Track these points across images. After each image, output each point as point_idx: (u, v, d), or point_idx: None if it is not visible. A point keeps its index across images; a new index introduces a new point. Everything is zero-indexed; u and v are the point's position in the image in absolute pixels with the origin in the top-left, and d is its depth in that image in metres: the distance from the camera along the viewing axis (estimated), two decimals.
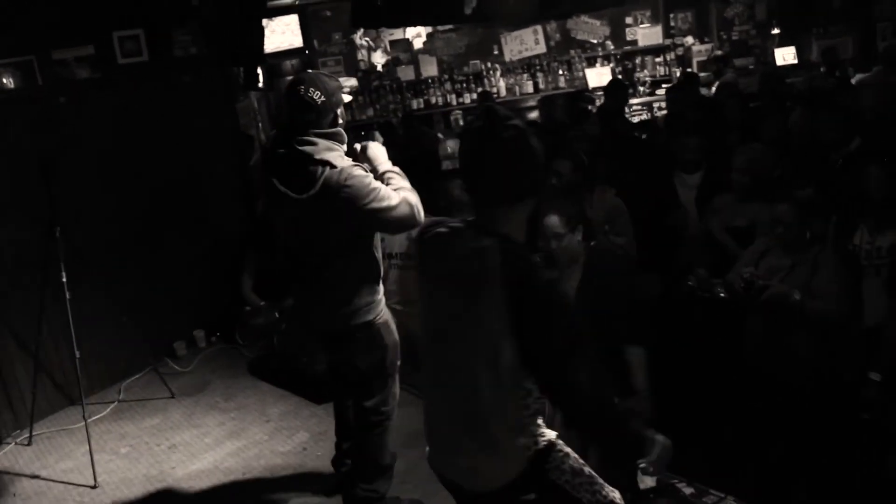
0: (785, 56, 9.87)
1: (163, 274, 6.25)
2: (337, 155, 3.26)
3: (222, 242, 6.64)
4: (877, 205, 4.24)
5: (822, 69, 8.88)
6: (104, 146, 5.95)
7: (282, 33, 9.35)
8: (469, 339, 2.14)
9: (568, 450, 2.37)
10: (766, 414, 3.86)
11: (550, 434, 2.34)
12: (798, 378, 3.84)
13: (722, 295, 4.41)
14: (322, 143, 3.25)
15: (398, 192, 3.28)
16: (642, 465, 2.23)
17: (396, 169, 3.46)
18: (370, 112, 9.77)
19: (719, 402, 4.02)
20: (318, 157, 3.20)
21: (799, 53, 9.90)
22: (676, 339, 4.22)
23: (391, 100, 9.89)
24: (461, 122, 9.66)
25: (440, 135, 9.05)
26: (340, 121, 3.38)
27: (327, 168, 3.18)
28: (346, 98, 3.44)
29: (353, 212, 3.19)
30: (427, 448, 2.42)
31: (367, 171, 3.26)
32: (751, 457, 3.78)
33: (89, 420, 4.97)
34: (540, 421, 2.29)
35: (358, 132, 8.97)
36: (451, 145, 8.87)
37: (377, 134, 8.86)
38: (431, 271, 2.29)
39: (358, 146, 3.50)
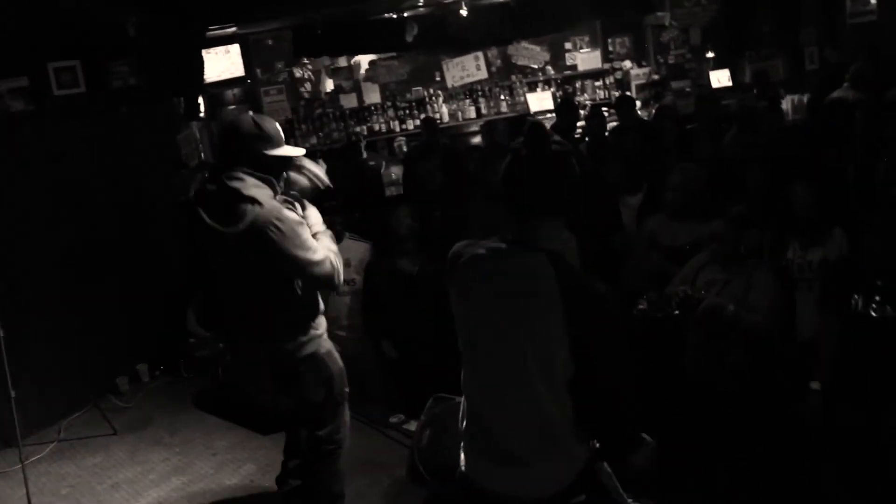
0: (720, 78, 10.13)
1: (103, 308, 6.13)
2: (265, 194, 3.22)
3: (165, 275, 6.53)
4: (804, 221, 4.37)
5: (754, 91, 9.12)
6: (40, 179, 5.85)
7: (223, 62, 9.31)
8: (524, 354, 2.18)
9: None
10: (709, 425, 3.93)
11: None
12: (735, 388, 3.92)
13: (676, 312, 4.48)
14: (250, 180, 3.22)
15: (325, 250, 3.29)
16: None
17: (329, 232, 3.48)
18: (313, 140, 9.74)
19: (665, 416, 4.07)
20: (245, 192, 3.16)
21: (733, 76, 10.18)
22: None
23: (334, 127, 9.88)
24: (404, 149, 9.69)
25: (384, 162, 9.06)
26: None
27: (256, 206, 3.14)
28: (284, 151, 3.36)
29: (277, 253, 3.16)
30: (463, 462, 2.40)
31: (300, 217, 3.26)
32: (695, 469, 3.84)
33: (26, 462, 4.83)
34: None
35: (313, 158, 8.98)
36: (395, 171, 8.88)
37: (321, 161, 8.91)
38: (476, 293, 2.28)
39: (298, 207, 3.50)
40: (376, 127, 9.95)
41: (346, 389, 3.67)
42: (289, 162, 3.41)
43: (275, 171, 3.30)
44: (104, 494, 4.76)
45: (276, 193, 3.28)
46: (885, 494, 3.49)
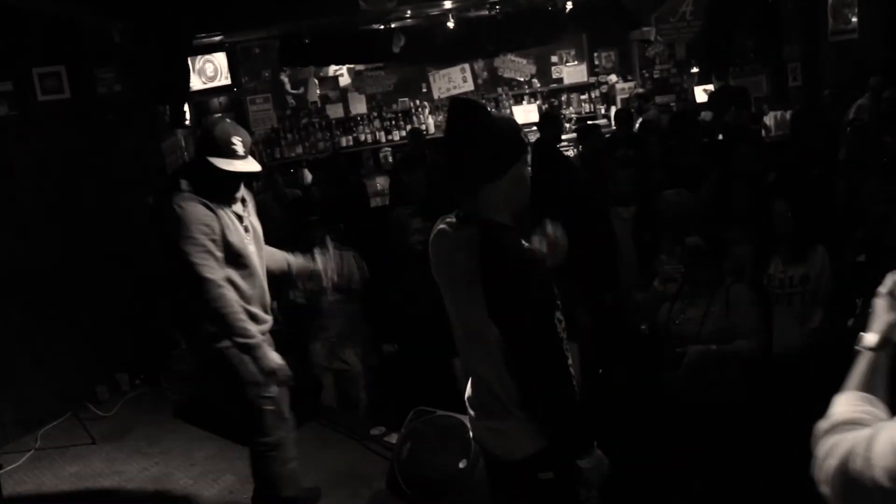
0: (704, 94, 10.21)
1: (83, 316, 6.08)
2: (188, 185, 3.42)
3: (146, 283, 6.49)
4: (786, 237, 4.41)
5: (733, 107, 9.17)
6: (21, 185, 5.81)
7: (210, 70, 9.29)
8: (472, 323, 2.27)
9: None
10: (687, 438, 3.95)
11: None
12: (720, 409, 3.94)
13: (643, 328, 4.51)
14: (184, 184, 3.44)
15: (217, 272, 3.38)
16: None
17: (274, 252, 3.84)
18: (299, 150, 9.74)
19: (646, 431, 4.09)
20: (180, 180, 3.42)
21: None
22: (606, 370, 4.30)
23: (320, 137, 9.88)
24: (390, 160, 9.71)
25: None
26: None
27: (176, 191, 3.39)
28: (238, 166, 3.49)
29: (172, 240, 3.35)
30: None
31: (209, 219, 3.37)
32: (677, 482, 3.85)
33: (2, 471, 4.78)
34: None
35: (287, 170, 8.99)
36: (381, 182, 8.90)
37: (306, 171, 8.91)
38: (434, 268, 2.42)
39: None
40: (362, 137, 9.96)
41: (270, 393, 3.66)
42: (233, 176, 3.49)
43: (223, 183, 3.47)
44: None
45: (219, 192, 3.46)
46: None
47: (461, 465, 3.62)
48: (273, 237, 4.09)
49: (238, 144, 3.45)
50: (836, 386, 1.54)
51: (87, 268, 6.12)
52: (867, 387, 1.49)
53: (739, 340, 3.96)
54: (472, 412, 2.48)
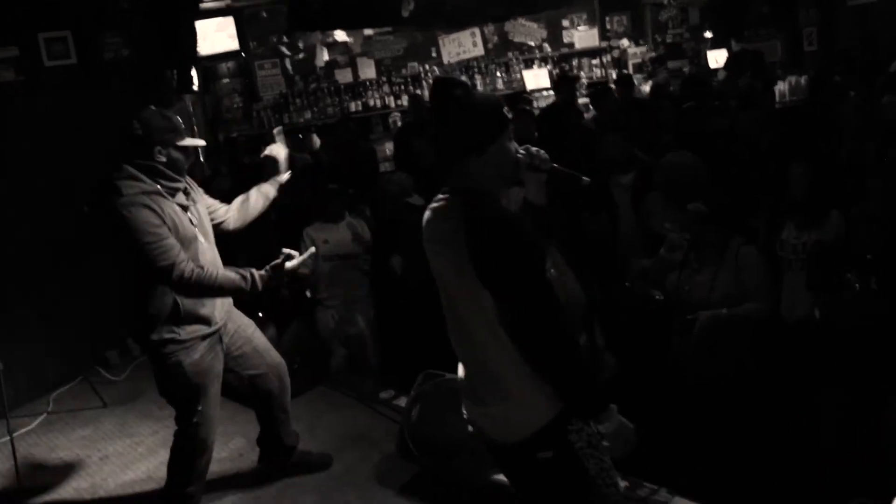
0: (717, 59, 10.06)
1: (93, 281, 6.06)
2: (131, 185, 3.35)
3: None
4: (800, 203, 4.35)
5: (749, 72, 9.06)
6: (30, 151, 5.79)
7: (217, 35, 9.22)
8: (463, 300, 2.30)
9: None
10: (695, 409, 3.93)
11: None
12: (729, 375, 3.91)
13: (658, 297, 4.47)
14: (126, 170, 3.40)
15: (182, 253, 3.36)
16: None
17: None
18: (308, 115, 9.68)
19: (651, 399, 4.07)
20: (114, 182, 3.36)
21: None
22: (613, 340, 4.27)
23: (329, 102, 9.82)
24: (399, 124, 9.64)
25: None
26: (162, 158, 3.43)
27: (115, 197, 3.31)
28: (188, 142, 3.55)
29: (123, 242, 3.31)
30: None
31: (157, 219, 3.32)
32: (683, 449, 3.84)
33: (15, 434, 4.81)
34: None
35: (295, 135, 8.93)
36: (391, 147, 8.84)
37: (314, 136, 8.85)
38: (426, 244, 2.42)
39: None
40: (371, 102, 9.89)
41: (206, 388, 3.70)
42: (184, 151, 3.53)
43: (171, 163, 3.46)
44: (93, 466, 4.75)
45: (165, 179, 3.45)
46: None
47: (470, 428, 3.61)
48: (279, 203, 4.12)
49: (179, 121, 3.55)
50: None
51: (97, 233, 6.10)
52: None
53: (749, 303, 3.92)
54: (466, 400, 2.50)
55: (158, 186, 3.42)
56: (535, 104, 8.57)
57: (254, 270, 3.53)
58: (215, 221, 3.80)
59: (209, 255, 3.62)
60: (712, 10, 10.40)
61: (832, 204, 4.35)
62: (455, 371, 3.87)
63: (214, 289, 3.46)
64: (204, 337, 3.60)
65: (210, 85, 9.37)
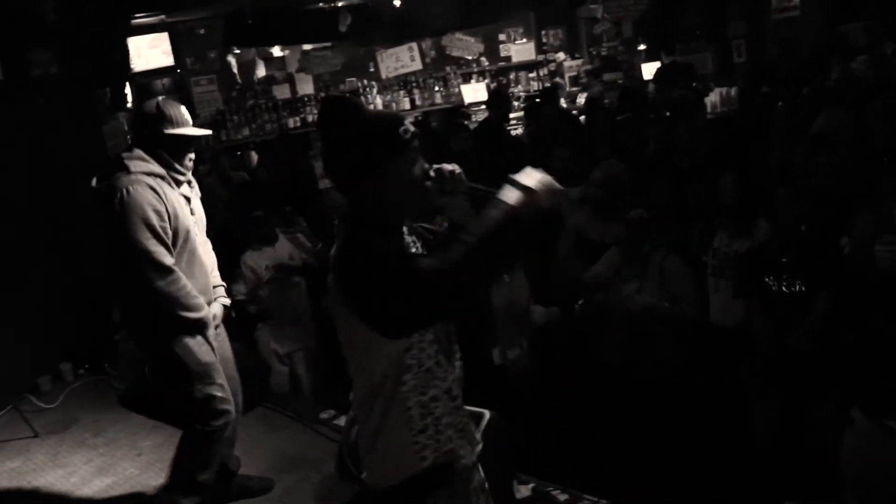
0: (651, 71, 10.25)
1: (23, 305, 5.91)
2: (143, 166, 3.36)
3: (90, 270, 6.32)
4: (730, 212, 4.44)
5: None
6: None
7: (152, 51, 9.08)
8: (344, 340, 2.13)
9: (477, 485, 2.28)
10: (632, 416, 3.98)
11: (464, 457, 2.22)
12: (663, 377, 3.98)
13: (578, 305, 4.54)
14: (137, 152, 3.40)
15: (168, 257, 3.36)
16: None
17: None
18: (245, 132, 9.58)
19: (589, 410, 4.11)
20: (124, 160, 3.36)
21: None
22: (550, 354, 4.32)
23: (267, 119, 9.73)
24: None
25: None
26: (170, 145, 3.46)
27: (122, 172, 3.32)
28: (193, 131, 3.58)
29: (118, 226, 3.29)
30: None
31: (158, 202, 3.33)
32: (620, 459, 3.88)
33: None
34: (436, 437, 2.14)
35: (233, 153, 8.84)
36: None
37: (252, 153, 8.76)
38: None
39: None
40: (310, 118, 9.82)
41: (219, 383, 3.69)
42: (190, 140, 3.54)
43: (176, 149, 3.47)
44: (23, 500, 4.60)
45: (171, 169, 3.46)
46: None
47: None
48: (219, 220, 4.06)
49: (187, 114, 3.54)
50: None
51: (26, 257, 5.95)
52: None
53: (684, 304, 3.99)
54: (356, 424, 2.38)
55: (164, 171, 3.43)
56: (473, 118, 8.61)
57: (215, 311, 3.67)
58: None
59: (204, 249, 3.68)
60: (645, 23, 10.59)
61: (760, 212, 4.46)
62: None
63: (179, 299, 3.42)
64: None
65: (145, 102, 9.19)
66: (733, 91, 8.38)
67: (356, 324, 2.00)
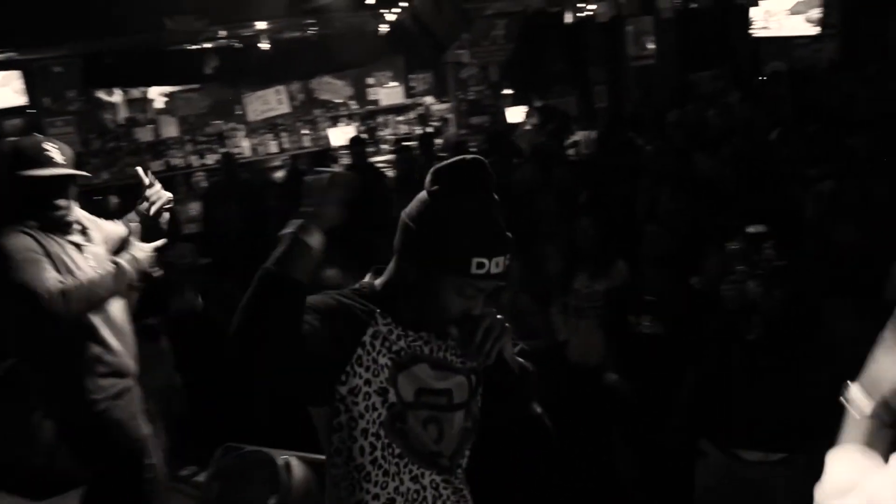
0: (517, 115, 10.57)
1: None
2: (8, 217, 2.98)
3: None
4: (589, 253, 4.59)
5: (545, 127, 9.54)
6: None
7: (2, 90, 8.67)
8: None
9: None
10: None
11: None
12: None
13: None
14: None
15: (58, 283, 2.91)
16: None
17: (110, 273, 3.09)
18: (105, 175, 9.19)
19: None
20: None
21: (529, 112, 10.66)
22: None
23: (128, 162, 9.38)
24: (204, 184, 9.37)
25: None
26: (29, 188, 3.01)
27: None
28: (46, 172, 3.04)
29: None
30: None
31: (36, 247, 2.93)
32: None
33: None
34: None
35: (90, 198, 8.46)
36: (195, 208, 8.55)
37: (112, 198, 8.43)
38: None
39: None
40: (174, 162, 9.55)
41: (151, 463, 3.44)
42: (52, 183, 3.03)
43: (39, 194, 3.01)
44: None
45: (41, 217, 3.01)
46: None
47: (271, 502, 3.49)
48: None
49: (54, 151, 3.03)
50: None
51: None
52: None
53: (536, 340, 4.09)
54: None
55: (35, 221, 3.00)
56: (339, 161, 8.61)
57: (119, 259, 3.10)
58: None
59: (112, 309, 3.20)
60: (511, 68, 10.91)
61: (618, 254, 4.62)
62: (259, 442, 3.75)
63: (94, 294, 2.99)
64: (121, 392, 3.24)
65: None
66: (594, 134, 8.71)
67: None
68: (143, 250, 3.19)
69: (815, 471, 1.46)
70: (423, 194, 1.87)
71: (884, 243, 4.00)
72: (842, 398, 1.49)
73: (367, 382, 1.84)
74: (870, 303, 3.93)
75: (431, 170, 1.88)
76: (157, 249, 3.29)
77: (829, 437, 1.50)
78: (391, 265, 1.94)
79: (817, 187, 4.88)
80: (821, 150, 5.65)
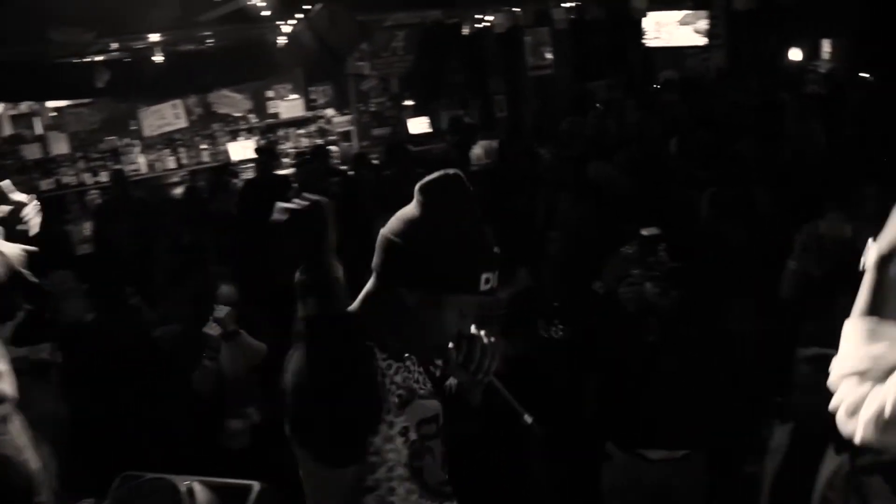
0: (418, 125, 10.61)
1: None
2: None
3: None
4: None
5: (450, 136, 9.61)
6: None
7: None
8: None
9: None
10: None
11: None
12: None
13: None
14: None
15: None
16: None
17: None
18: None
19: None
20: None
21: (431, 122, 10.72)
22: None
23: (16, 180, 8.94)
24: (98, 203, 9.03)
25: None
26: None
27: None
28: None
29: None
30: None
31: None
32: None
33: None
34: None
35: None
36: (89, 228, 8.24)
37: None
38: None
39: None
40: (65, 180, 9.18)
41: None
42: None
43: None
44: None
45: None
46: None
47: None
48: None
49: None
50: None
51: None
52: (876, 306, 1.44)
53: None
54: None
55: None
56: (240, 176, 8.45)
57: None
58: None
59: None
60: (411, 79, 10.94)
61: (520, 261, 4.66)
62: (161, 469, 3.61)
63: None
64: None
65: None
66: (495, 144, 8.81)
67: None
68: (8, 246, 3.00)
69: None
70: (410, 212, 1.80)
71: (774, 244, 4.18)
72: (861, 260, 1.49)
73: (391, 425, 1.77)
74: (768, 302, 4.10)
75: (417, 187, 1.82)
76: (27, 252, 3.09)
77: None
78: (371, 291, 1.86)
79: (709, 190, 5.05)
80: (711, 154, 5.87)
